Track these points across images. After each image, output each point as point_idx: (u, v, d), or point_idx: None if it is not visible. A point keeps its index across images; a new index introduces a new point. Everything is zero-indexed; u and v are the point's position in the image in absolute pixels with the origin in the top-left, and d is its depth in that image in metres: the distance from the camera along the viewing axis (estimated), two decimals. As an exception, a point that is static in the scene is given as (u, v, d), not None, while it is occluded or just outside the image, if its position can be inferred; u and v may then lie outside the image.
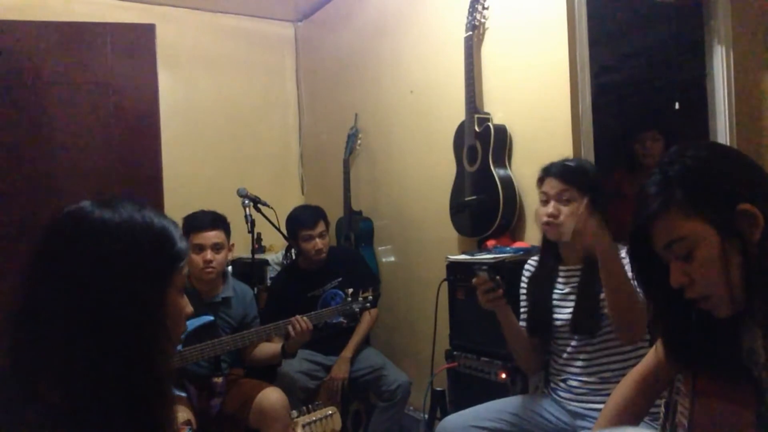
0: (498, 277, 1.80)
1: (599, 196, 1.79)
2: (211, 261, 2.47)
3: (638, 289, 1.60)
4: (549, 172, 1.87)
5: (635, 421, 1.31)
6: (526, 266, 2.06)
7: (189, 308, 0.93)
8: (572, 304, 1.85)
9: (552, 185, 1.85)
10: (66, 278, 0.81)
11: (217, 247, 2.50)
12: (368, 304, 2.59)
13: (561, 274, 1.92)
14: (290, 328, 2.43)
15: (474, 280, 1.82)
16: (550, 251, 1.94)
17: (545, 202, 1.86)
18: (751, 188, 0.97)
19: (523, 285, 2.05)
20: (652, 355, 1.29)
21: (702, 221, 0.97)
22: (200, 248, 2.47)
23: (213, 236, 2.50)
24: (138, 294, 0.82)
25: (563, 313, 1.88)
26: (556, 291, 1.92)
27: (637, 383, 1.31)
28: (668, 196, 0.99)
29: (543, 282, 1.95)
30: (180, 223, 2.43)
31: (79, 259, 0.82)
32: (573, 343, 1.86)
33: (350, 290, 2.61)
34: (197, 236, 2.48)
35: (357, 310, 2.56)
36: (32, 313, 0.81)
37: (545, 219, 1.85)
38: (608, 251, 1.66)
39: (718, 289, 0.98)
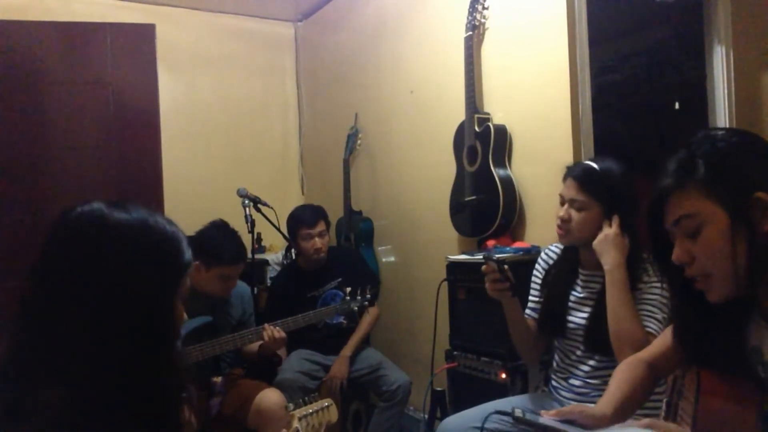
0: (506, 267, 1.77)
1: (620, 207, 1.74)
2: (232, 287, 2.52)
3: (655, 326, 1.64)
4: (570, 172, 1.81)
5: (638, 405, 1.30)
6: (544, 255, 2.02)
7: (184, 317, 0.94)
8: (588, 310, 1.81)
9: (568, 188, 1.80)
10: (77, 277, 0.81)
11: (240, 275, 2.56)
12: (366, 303, 2.58)
13: (581, 276, 1.88)
14: (264, 334, 2.43)
15: (483, 268, 1.79)
16: (571, 251, 1.89)
17: (561, 203, 1.82)
18: None
19: (537, 273, 2.01)
20: (660, 341, 1.29)
21: (715, 202, 0.97)
22: (228, 278, 2.47)
23: (240, 268, 2.52)
24: (148, 297, 0.83)
25: (578, 317, 1.84)
26: (573, 293, 1.88)
27: (644, 364, 1.31)
28: (688, 171, 0.99)
29: (561, 281, 1.91)
30: (190, 222, 2.45)
31: (94, 258, 0.82)
32: (583, 348, 1.83)
33: (348, 289, 2.61)
34: (229, 269, 2.45)
35: (355, 308, 2.56)
36: (38, 312, 0.81)
37: (557, 222, 1.82)
38: (612, 270, 1.68)
39: (717, 271, 0.98)
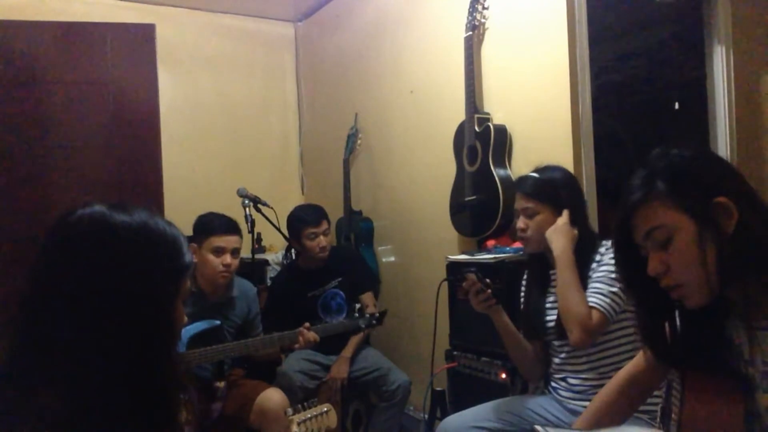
0: (488, 280, 1.83)
1: (566, 204, 1.87)
2: (230, 265, 2.46)
3: (598, 300, 1.73)
4: (517, 187, 1.98)
5: (614, 423, 1.33)
6: (526, 276, 2.09)
7: (185, 318, 0.93)
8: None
9: (518, 201, 1.95)
10: (77, 279, 0.80)
11: (235, 252, 2.50)
12: (374, 322, 2.58)
13: (553, 277, 1.93)
14: (300, 339, 2.43)
15: (464, 284, 1.85)
16: (536, 257, 1.98)
17: (516, 216, 1.96)
18: (728, 185, 1.03)
19: (523, 288, 2.07)
20: (640, 356, 1.31)
21: (681, 211, 1.02)
22: (221, 251, 2.44)
23: (234, 241, 2.48)
24: (151, 299, 0.83)
25: (554, 314, 1.88)
26: (550, 293, 1.94)
27: (620, 385, 1.34)
28: (651, 187, 1.05)
29: (534, 286, 1.99)
30: (190, 222, 2.46)
31: (94, 260, 0.81)
32: (554, 337, 1.89)
33: (357, 306, 2.62)
34: (219, 239, 2.44)
35: (363, 326, 2.57)
36: (37, 314, 0.81)
37: (518, 233, 1.96)
38: (560, 255, 1.81)
39: (692, 277, 1.02)
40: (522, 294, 2.07)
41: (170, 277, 0.86)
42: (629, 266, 1.12)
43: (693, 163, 1.07)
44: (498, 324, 1.90)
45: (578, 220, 1.87)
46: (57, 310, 0.80)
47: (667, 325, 1.14)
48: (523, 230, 1.92)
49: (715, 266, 1.00)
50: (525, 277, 2.08)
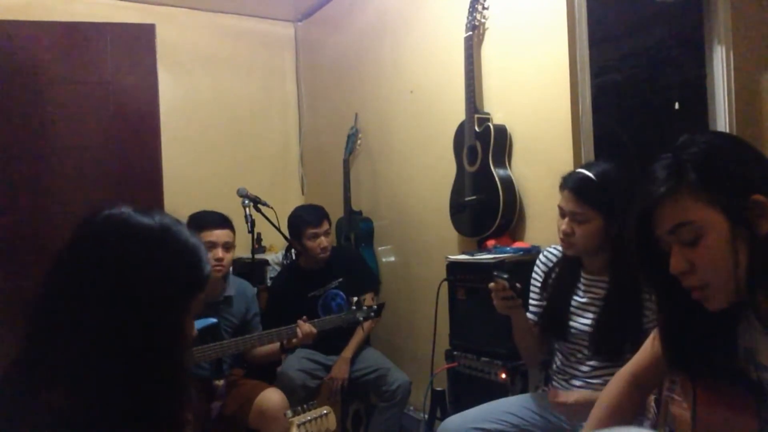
0: (518, 285, 1.78)
1: (616, 215, 1.69)
2: (222, 259, 2.47)
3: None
4: (567, 183, 1.78)
5: (628, 420, 1.30)
6: (542, 257, 2.00)
7: (194, 331, 0.93)
8: (592, 316, 1.80)
9: (567, 201, 1.76)
10: (90, 277, 0.80)
11: (227, 246, 2.51)
12: (372, 314, 2.58)
13: (582, 281, 1.86)
14: (298, 330, 2.44)
15: (491, 285, 1.80)
16: (569, 256, 1.88)
17: (562, 215, 1.79)
18: (765, 180, 0.95)
19: (536, 275, 1.99)
20: (646, 351, 1.27)
21: (713, 207, 0.93)
22: (212, 245, 2.46)
23: (224, 235, 2.50)
24: (161, 306, 0.82)
25: (580, 322, 1.83)
26: (575, 298, 1.86)
27: (629, 381, 1.29)
28: (680, 178, 0.95)
29: (563, 285, 1.89)
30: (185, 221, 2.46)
31: (109, 259, 0.81)
32: (585, 351, 1.83)
33: (354, 299, 2.61)
34: (209, 233, 2.46)
35: (360, 319, 2.56)
36: (50, 312, 0.81)
37: (560, 235, 1.80)
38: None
39: (718, 278, 0.95)
40: (537, 276, 1.99)
41: (185, 286, 0.86)
42: (649, 263, 1.04)
43: (729, 153, 0.97)
44: (516, 323, 1.87)
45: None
46: (68, 308, 0.80)
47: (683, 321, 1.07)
48: (568, 234, 1.76)
49: (745, 268, 0.92)
50: (543, 263, 1.99)
